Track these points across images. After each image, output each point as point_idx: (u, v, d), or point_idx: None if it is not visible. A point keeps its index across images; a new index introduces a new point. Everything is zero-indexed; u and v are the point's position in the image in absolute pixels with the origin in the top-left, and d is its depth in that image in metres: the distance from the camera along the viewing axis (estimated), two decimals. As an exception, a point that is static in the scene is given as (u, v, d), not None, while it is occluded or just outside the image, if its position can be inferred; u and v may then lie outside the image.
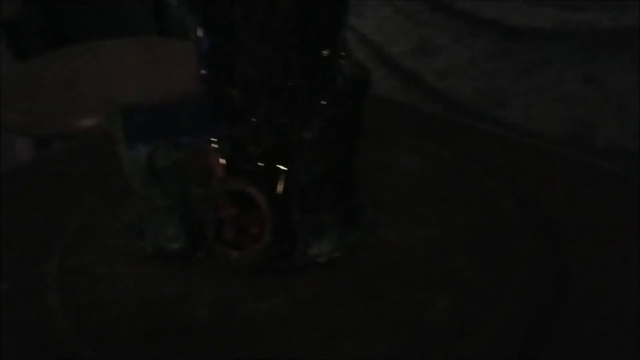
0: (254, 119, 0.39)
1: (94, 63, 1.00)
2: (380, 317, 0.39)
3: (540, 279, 0.41)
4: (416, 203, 0.48)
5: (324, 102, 0.38)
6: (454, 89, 0.83)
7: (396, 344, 0.37)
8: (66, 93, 0.93)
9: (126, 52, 1.05)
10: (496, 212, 0.47)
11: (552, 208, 0.48)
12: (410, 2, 0.86)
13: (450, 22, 0.84)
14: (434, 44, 0.85)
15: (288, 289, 0.41)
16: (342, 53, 0.38)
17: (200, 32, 0.38)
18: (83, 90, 0.93)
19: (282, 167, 0.40)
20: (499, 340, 0.37)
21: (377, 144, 0.54)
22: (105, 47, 1.07)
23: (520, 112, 0.80)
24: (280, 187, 0.40)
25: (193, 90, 0.40)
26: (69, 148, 0.62)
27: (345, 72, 0.39)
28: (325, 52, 0.37)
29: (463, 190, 0.50)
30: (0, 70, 1.18)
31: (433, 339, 0.37)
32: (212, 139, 0.40)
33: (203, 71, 0.39)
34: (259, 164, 0.40)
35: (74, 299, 0.41)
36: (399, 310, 0.39)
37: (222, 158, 0.40)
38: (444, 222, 0.46)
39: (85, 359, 0.37)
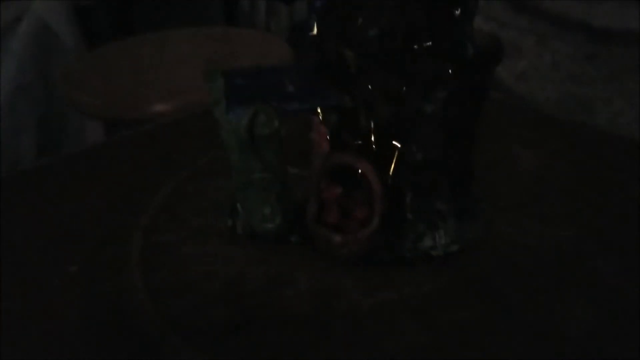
0: (368, 87, 0.35)
1: (163, 52, 0.99)
2: (504, 324, 0.34)
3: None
4: (536, 201, 0.43)
5: (449, 71, 0.34)
6: (536, 93, 0.80)
7: (530, 357, 0.32)
8: (137, 79, 0.93)
9: (195, 41, 1.05)
10: (629, 214, 0.42)
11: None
12: (493, 2, 0.83)
13: (534, 24, 0.81)
14: (516, 46, 0.83)
15: (395, 284, 0.36)
16: (475, 14, 0.34)
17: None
18: (153, 78, 0.93)
19: (396, 144, 0.35)
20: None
21: (491, 139, 0.49)
22: (174, 36, 1.07)
23: (607, 120, 0.77)
24: (392, 167, 0.35)
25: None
26: (143, 130, 0.59)
27: (474, 39, 0.34)
28: (456, 12, 0.33)
29: (589, 189, 0.45)
30: (72, 57, 1.19)
31: (576, 353, 0.32)
32: (318, 107, 0.36)
33: (313, 32, 0.35)
34: (370, 139, 0.36)
35: (157, 279, 0.38)
36: (529, 318, 0.34)
37: (328, 130, 0.36)
38: (571, 221, 0.41)
39: (168, 346, 0.33)
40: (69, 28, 1.21)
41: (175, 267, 0.39)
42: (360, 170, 0.35)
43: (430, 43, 0.33)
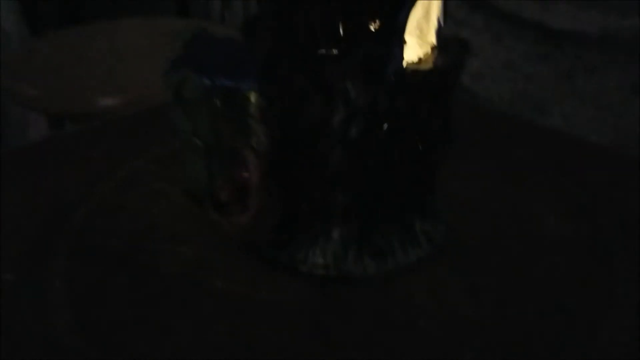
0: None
1: (110, 42, 0.96)
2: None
3: None
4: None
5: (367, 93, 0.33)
6: (490, 92, 0.81)
7: None
8: (83, 71, 0.89)
9: (144, 32, 1.02)
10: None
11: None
12: (449, 0, 0.83)
13: (490, 23, 0.82)
14: (471, 44, 0.82)
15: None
16: (403, 30, 0.33)
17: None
18: (99, 69, 0.90)
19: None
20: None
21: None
22: (122, 26, 1.04)
23: (560, 120, 0.77)
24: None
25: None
26: (87, 128, 0.57)
27: (400, 57, 0.33)
28: (373, 25, 0.32)
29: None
30: (13, 44, 1.14)
31: None
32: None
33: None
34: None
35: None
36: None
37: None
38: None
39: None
40: (9, 12, 1.16)
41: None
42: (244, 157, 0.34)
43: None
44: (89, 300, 0.36)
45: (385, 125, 0.33)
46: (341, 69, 0.32)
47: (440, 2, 0.35)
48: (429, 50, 0.36)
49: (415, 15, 0.34)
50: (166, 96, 0.38)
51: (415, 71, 0.34)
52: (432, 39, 0.36)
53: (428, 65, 0.35)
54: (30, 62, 0.94)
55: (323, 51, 0.32)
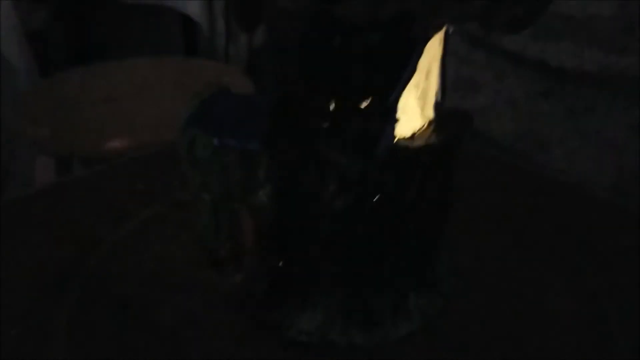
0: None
1: (120, 81, 0.96)
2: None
3: None
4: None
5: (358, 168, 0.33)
6: (493, 129, 0.81)
7: None
8: (91, 112, 0.89)
9: (155, 71, 1.02)
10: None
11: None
12: (452, 37, 0.83)
13: (492, 60, 0.82)
14: (474, 82, 0.83)
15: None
16: (395, 110, 0.33)
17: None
18: (107, 110, 0.90)
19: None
20: None
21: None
22: (132, 65, 1.04)
23: (563, 158, 0.78)
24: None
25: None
26: (95, 172, 0.57)
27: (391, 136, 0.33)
28: (363, 103, 0.32)
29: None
30: (22, 84, 1.15)
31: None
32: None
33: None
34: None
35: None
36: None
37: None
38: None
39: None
40: (21, 52, 1.17)
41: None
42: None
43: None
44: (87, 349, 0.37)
45: (376, 199, 0.34)
46: (332, 143, 0.33)
47: (438, 79, 0.35)
48: (425, 125, 0.36)
49: (410, 92, 0.34)
50: (177, 147, 0.39)
51: (405, 148, 0.34)
52: (430, 113, 0.36)
53: (420, 142, 0.34)
54: (38, 103, 0.95)
55: (317, 124, 0.33)
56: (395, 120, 0.33)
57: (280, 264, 0.36)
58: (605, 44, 0.73)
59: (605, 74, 0.72)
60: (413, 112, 0.35)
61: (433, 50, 0.34)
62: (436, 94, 0.35)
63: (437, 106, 0.36)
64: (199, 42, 1.39)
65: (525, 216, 0.49)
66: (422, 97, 0.35)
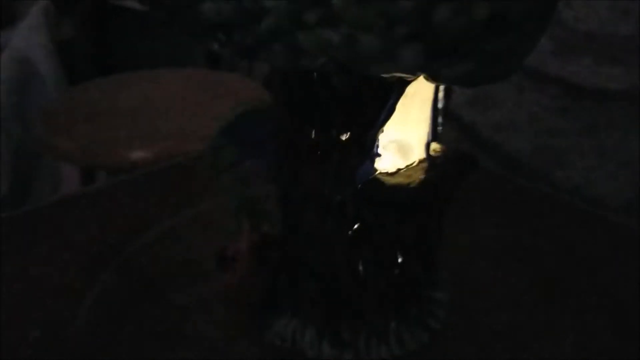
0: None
1: (145, 92, 0.97)
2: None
3: None
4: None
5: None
6: (511, 144, 0.81)
7: None
8: (115, 123, 0.90)
9: (179, 83, 1.03)
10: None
11: None
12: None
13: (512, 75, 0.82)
14: (493, 96, 0.83)
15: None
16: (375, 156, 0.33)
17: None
18: (133, 122, 0.90)
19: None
20: None
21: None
22: (157, 76, 1.05)
23: (581, 175, 0.77)
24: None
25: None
26: (118, 182, 0.59)
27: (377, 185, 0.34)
28: (342, 137, 0.33)
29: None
30: (52, 93, 1.16)
31: None
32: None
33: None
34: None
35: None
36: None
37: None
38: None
39: None
40: (49, 62, 1.19)
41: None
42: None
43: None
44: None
45: (353, 229, 0.34)
46: (315, 172, 0.34)
47: (430, 119, 0.35)
48: (414, 163, 0.35)
49: (396, 129, 0.34)
50: (199, 152, 0.41)
51: (381, 183, 0.34)
52: (419, 153, 0.36)
53: (400, 180, 0.34)
54: (63, 114, 0.95)
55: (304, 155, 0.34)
56: (376, 155, 0.34)
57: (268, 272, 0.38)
58: (627, 61, 0.73)
59: (626, 91, 0.72)
60: (401, 150, 0.35)
61: (423, 90, 0.34)
62: (427, 134, 0.35)
63: (429, 145, 0.36)
64: (222, 57, 1.40)
65: (530, 245, 0.49)
66: (413, 135, 0.35)
